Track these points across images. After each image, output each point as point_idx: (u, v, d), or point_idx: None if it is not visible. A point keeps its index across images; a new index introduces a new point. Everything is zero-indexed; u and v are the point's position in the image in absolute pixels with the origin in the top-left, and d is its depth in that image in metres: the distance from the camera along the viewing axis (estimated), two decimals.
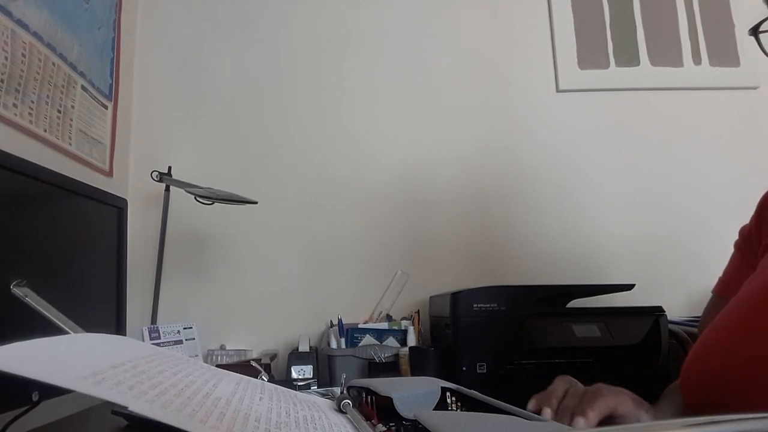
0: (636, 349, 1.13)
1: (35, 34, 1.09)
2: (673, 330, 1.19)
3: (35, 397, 0.66)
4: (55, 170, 0.88)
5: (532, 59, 1.72)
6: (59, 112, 1.19)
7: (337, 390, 1.05)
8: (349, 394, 0.59)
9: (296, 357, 1.32)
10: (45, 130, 1.13)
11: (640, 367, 1.12)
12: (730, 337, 0.59)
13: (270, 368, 1.31)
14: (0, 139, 0.97)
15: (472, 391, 0.58)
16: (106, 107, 1.42)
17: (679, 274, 1.59)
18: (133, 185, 1.55)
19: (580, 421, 0.54)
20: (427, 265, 1.58)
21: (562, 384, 0.64)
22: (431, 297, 1.43)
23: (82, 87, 1.29)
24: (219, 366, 1.25)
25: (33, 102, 1.08)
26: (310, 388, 1.14)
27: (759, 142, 1.69)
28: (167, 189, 1.42)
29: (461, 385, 0.60)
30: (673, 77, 1.71)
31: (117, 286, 1.08)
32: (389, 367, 1.29)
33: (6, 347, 0.32)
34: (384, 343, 1.36)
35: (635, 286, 1.23)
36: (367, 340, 1.37)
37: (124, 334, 1.10)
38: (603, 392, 0.57)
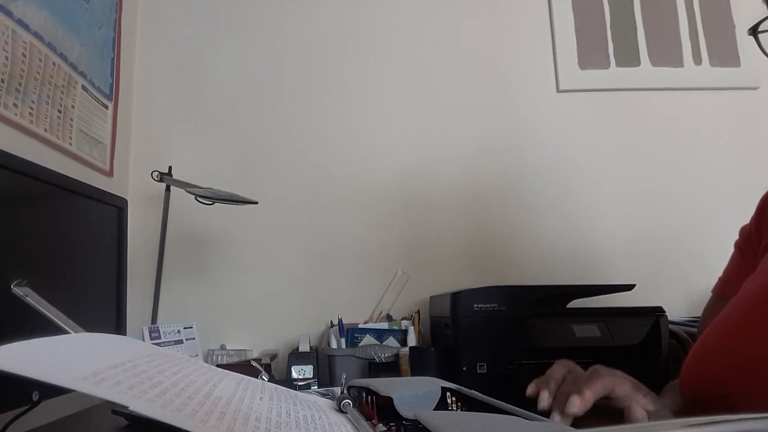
0: (636, 349, 1.13)
1: (36, 34, 1.09)
2: (673, 330, 1.18)
3: (35, 396, 0.66)
4: (56, 170, 0.88)
5: (533, 59, 1.72)
6: (60, 111, 1.19)
7: (338, 390, 1.05)
8: (349, 394, 0.59)
9: (296, 357, 1.32)
10: (45, 130, 1.13)
11: (640, 368, 1.11)
12: (730, 337, 0.59)
13: (270, 368, 1.31)
14: (0, 139, 0.97)
15: (472, 391, 0.58)
16: (106, 107, 1.42)
17: (679, 274, 1.59)
18: (134, 185, 1.55)
19: (575, 399, 0.54)
20: (428, 265, 1.58)
21: (560, 368, 0.64)
22: (431, 297, 1.42)
23: (83, 87, 1.29)
24: (219, 366, 1.25)
25: (33, 102, 1.08)
26: (310, 388, 1.14)
27: (759, 142, 1.68)
28: (167, 189, 1.42)
29: (461, 385, 0.60)
30: (673, 77, 1.71)
31: (117, 286, 1.08)
32: (389, 367, 1.29)
33: (6, 347, 0.32)
34: (384, 343, 1.36)
35: (635, 287, 1.23)
36: (368, 340, 1.37)
37: (125, 334, 1.10)
38: (601, 373, 0.57)
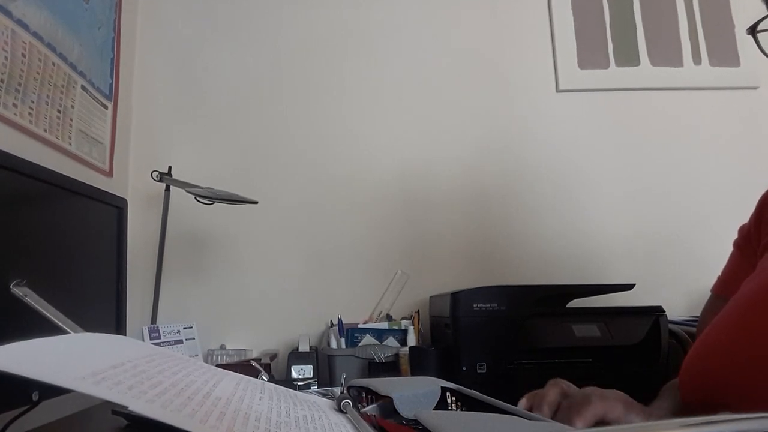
0: (636, 349, 1.13)
1: (35, 34, 1.09)
2: (673, 330, 1.19)
3: (35, 396, 0.66)
4: (55, 170, 0.88)
5: (532, 59, 1.72)
6: (59, 111, 1.19)
7: (337, 390, 1.05)
8: (349, 394, 0.59)
9: (296, 357, 1.32)
10: (45, 130, 1.13)
11: (640, 367, 1.12)
12: (730, 337, 0.59)
13: (270, 368, 1.31)
14: (0, 139, 0.97)
15: (472, 391, 0.58)
16: (106, 107, 1.42)
17: (679, 274, 1.59)
18: (133, 185, 1.55)
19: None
20: (427, 265, 1.58)
21: (554, 391, 0.63)
22: (431, 297, 1.43)
23: (82, 87, 1.29)
24: (219, 366, 1.25)
25: (33, 102, 1.08)
26: (310, 388, 1.14)
27: (759, 142, 1.69)
28: (167, 189, 1.42)
29: (461, 385, 0.60)
30: (673, 77, 1.71)
31: (117, 286, 1.08)
32: (389, 367, 1.29)
33: (5, 347, 0.32)
34: (384, 343, 1.36)
35: (635, 286, 1.23)
36: (367, 339, 1.37)
37: (124, 334, 1.10)
38: (591, 399, 0.57)
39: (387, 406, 0.53)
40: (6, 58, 1.00)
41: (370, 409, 0.55)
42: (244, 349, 1.44)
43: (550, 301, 1.20)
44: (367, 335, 1.38)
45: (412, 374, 1.20)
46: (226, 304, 1.52)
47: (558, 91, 1.70)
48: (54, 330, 0.68)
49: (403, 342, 1.35)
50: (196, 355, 1.35)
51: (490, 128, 1.67)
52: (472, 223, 1.62)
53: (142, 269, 1.46)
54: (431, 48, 1.70)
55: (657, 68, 1.71)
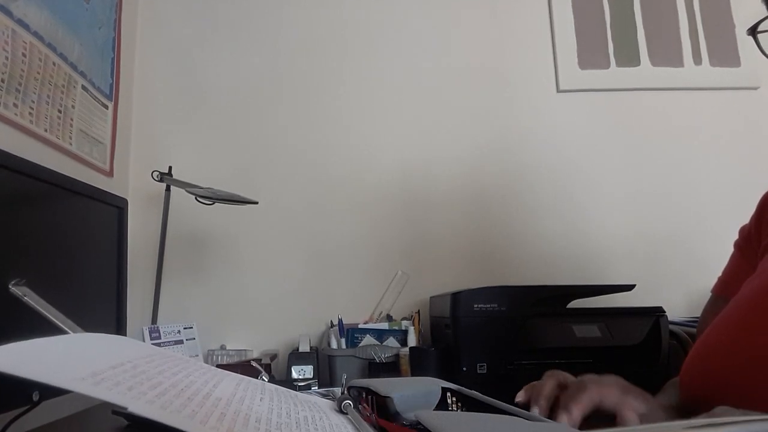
0: (636, 349, 1.13)
1: (36, 34, 1.09)
2: (674, 330, 1.18)
3: (35, 397, 0.66)
4: (56, 170, 0.88)
5: (533, 59, 1.72)
6: (60, 111, 1.19)
7: (338, 390, 1.05)
8: (349, 394, 0.59)
9: (296, 357, 1.32)
10: (45, 130, 1.13)
11: (641, 368, 1.12)
12: (730, 337, 0.59)
13: (270, 368, 1.31)
14: (0, 139, 0.97)
15: (473, 391, 0.58)
16: (106, 107, 1.42)
17: (679, 274, 1.59)
18: (134, 185, 1.55)
19: (563, 417, 0.54)
20: (428, 266, 1.58)
21: (551, 382, 0.63)
22: (431, 297, 1.42)
23: (83, 87, 1.29)
24: (219, 366, 1.26)
25: (33, 102, 1.08)
26: (310, 389, 1.14)
27: (759, 143, 1.68)
28: (168, 189, 1.42)
29: (461, 385, 0.60)
30: (673, 77, 1.71)
31: (117, 286, 1.08)
32: (389, 367, 1.29)
33: (4, 347, 0.32)
34: (384, 344, 1.36)
35: (635, 287, 1.23)
36: (368, 340, 1.37)
37: (125, 334, 1.10)
38: (587, 385, 0.57)
39: (387, 407, 0.53)
40: (6, 58, 1.00)
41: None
42: (245, 350, 1.44)
43: (551, 301, 1.20)
44: (368, 335, 1.38)
45: (413, 374, 1.20)
46: (227, 304, 1.52)
47: (558, 91, 1.70)
48: (53, 330, 0.68)
49: (404, 342, 1.35)
50: (197, 356, 1.35)
51: (491, 128, 1.67)
52: (472, 223, 1.62)
53: (142, 269, 1.46)
54: (431, 48, 1.70)
55: (657, 68, 1.71)
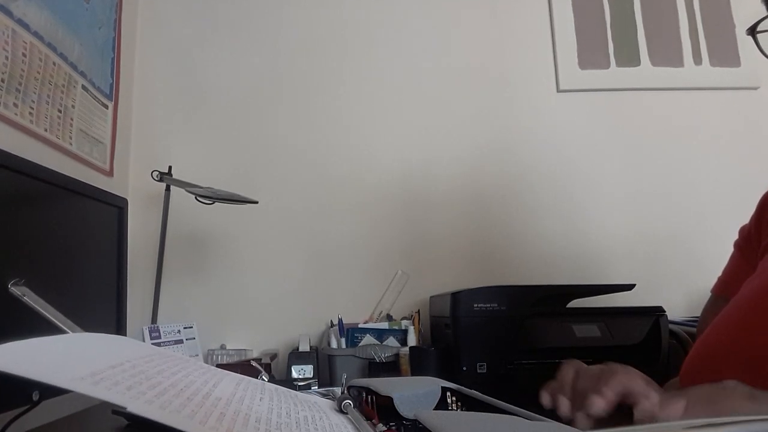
0: (636, 349, 1.13)
1: (36, 34, 1.09)
2: (673, 330, 1.18)
3: (35, 396, 0.66)
4: (56, 170, 0.88)
5: (533, 59, 1.72)
6: (60, 111, 1.19)
7: (338, 390, 1.05)
8: (349, 394, 0.59)
9: (296, 357, 1.32)
10: (45, 130, 1.13)
11: (640, 367, 1.12)
12: (731, 337, 0.59)
13: (270, 368, 1.31)
14: (0, 139, 0.97)
15: (473, 391, 0.58)
16: (106, 107, 1.42)
17: (679, 274, 1.58)
18: (134, 185, 1.55)
19: (597, 400, 0.54)
20: (428, 265, 1.58)
21: (570, 369, 0.63)
22: (431, 297, 1.42)
23: (83, 87, 1.29)
24: (219, 366, 1.26)
25: (33, 101, 1.08)
26: (310, 388, 1.14)
27: (759, 143, 1.68)
28: (167, 189, 1.42)
29: (461, 385, 0.60)
30: (673, 77, 1.71)
31: (117, 286, 1.08)
32: (389, 367, 1.29)
33: (3, 346, 0.32)
34: (384, 343, 1.36)
35: (635, 286, 1.23)
36: (368, 339, 1.37)
37: (125, 334, 1.10)
38: (616, 370, 0.57)
39: (387, 407, 0.53)
40: (7, 57, 1.00)
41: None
42: (245, 349, 1.44)
43: (551, 301, 1.20)
44: (368, 335, 1.38)
45: (413, 374, 1.20)
46: (226, 304, 1.52)
47: (558, 91, 1.70)
48: (52, 330, 0.68)
49: (404, 342, 1.35)
50: (197, 355, 1.35)
51: (491, 128, 1.67)
52: (472, 223, 1.61)
53: (142, 269, 1.46)
54: (431, 48, 1.70)
55: (657, 68, 1.71)
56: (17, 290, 0.68)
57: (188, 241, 1.54)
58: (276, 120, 1.63)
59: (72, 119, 1.24)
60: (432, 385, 0.59)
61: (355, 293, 1.55)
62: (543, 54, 1.72)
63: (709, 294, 0.81)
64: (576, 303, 1.26)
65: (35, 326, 0.69)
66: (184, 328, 1.35)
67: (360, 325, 1.42)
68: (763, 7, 0.74)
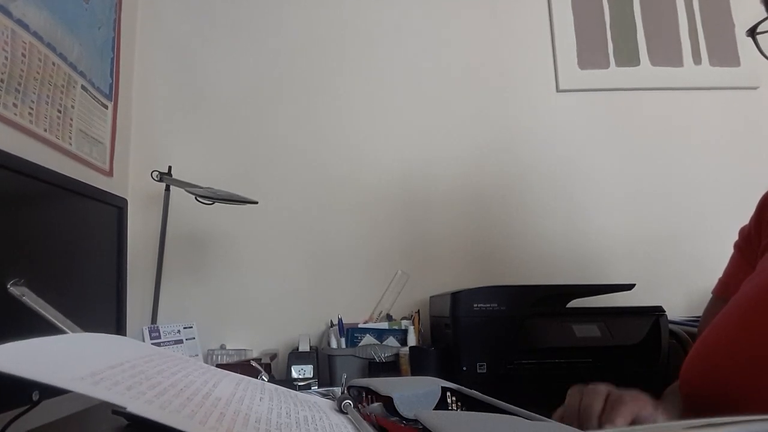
0: (636, 349, 1.13)
1: (35, 34, 1.09)
2: (673, 330, 1.18)
3: (35, 396, 0.66)
4: (55, 170, 0.88)
5: (532, 59, 1.72)
6: (59, 111, 1.19)
7: (338, 390, 1.05)
8: (349, 394, 0.59)
9: (296, 357, 1.32)
10: (45, 130, 1.13)
11: (641, 367, 1.12)
12: (730, 336, 0.59)
13: (270, 368, 1.31)
14: (0, 139, 0.97)
15: (473, 390, 0.58)
16: (106, 107, 1.42)
17: (679, 274, 1.58)
18: (133, 185, 1.55)
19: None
20: (427, 265, 1.58)
21: (577, 394, 0.63)
22: (431, 297, 1.42)
23: (82, 87, 1.29)
24: (219, 366, 1.26)
25: (33, 102, 1.08)
26: (310, 388, 1.14)
27: (759, 142, 1.68)
28: (167, 189, 1.42)
29: (461, 385, 0.60)
30: (673, 77, 1.71)
31: (117, 286, 1.08)
32: (389, 367, 1.29)
33: (2, 347, 0.32)
34: (384, 343, 1.36)
35: (635, 286, 1.23)
36: (368, 339, 1.37)
37: (125, 334, 1.10)
38: (626, 398, 0.57)
39: (387, 406, 0.53)
40: (6, 58, 1.00)
41: (370, 408, 0.55)
42: (244, 349, 1.44)
43: (550, 301, 1.20)
44: (368, 335, 1.38)
45: (412, 374, 1.20)
46: (226, 304, 1.52)
47: (558, 91, 1.70)
48: (52, 330, 0.68)
49: (403, 342, 1.35)
50: (197, 355, 1.35)
51: (490, 128, 1.67)
52: (472, 223, 1.61)
53: (142, 269, 1.46)
54: (431, 48, 1.70)
55: (657, 68, 1.71)
56: (16, 290, 0.68)
57: (188, 241, 1.54)
58: (276, 120, 1.63)
59: (72, 119, 1.24)
60: (432, 385, 0.59)
61: (355, 293, 1.55)
62: (543, 54, 1.72)
63: (709, 293, 0.81)
64: (576, 303, 1.26)
65: (35, 326, 0.69)
66: (184, 328, 1.35)
67: (360, 325, 1.42)
68: (763, 8, 0.74)
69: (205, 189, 1.29)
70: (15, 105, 1.02)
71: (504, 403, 0.52)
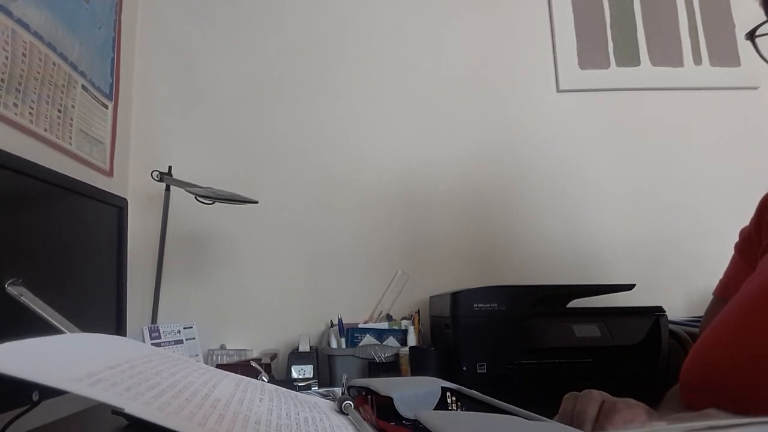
0: (636, 349, 1.13)
1: (36, 34, 1.09)
2: (673, 330, 1.18)
3: (35, 396, 0.66)
4: (56, 170, 0.88)
5: (533, 59, 1.72)
6: (59, 111, 1.19)
7: (338, 390, 1.05)
8: (349, 394, 0.59)
9: (296, 357, 1.32)
10: (45, 130, 1.13)
11: (641, 368, 1.12)
12: (730, 337, 0.59)
13: (270, 368, 1.31)
14: (0, 139, 0.97)
15: (473, 391, 0.58)
16: (106, 107, 1.42)
17: (679, 274, 1.58)
18: (133, 185, 1.55)
19: None
20: (427, 265, 1.57)
21: (570, 401, 0.63)
22: (431, 297, 1.42)
23: (83, 86, 1.29)
24: (219, 366, 1.26)
25: (33, 101, 1.08)
26: (310, 389, 1.14)
27: (759, 143, 1.68)
28: (167, 189, 1.42)
29: (461, 385, 0.60)
30: (673, 77, 1.71)
31: (117, 286, 1.08)
32: (389, 367, 1.29)
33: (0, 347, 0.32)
34: (384, 343, 1.36)
35: (635, 286, 1.23)
36: (368, 339, 1.37)
37: (125, 334, 1.10)
38: (619, 406, 0.57)
39: (387, 407, 0.53)
40: (6, 57, 1.00)
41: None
42: (244, 349, 1.44)
43: (550, 301, 1.20)
44: (368, 335, 1.38)
45: (412, 374, 1.20)
46: (226, 304, 1.52)
47: (558, 91, 1.70)
48: (51, 330, 0.68)
49: (403, 342, 1.35)
50: (197, 355, 1.35)
51: (491, 128, 1.67)
52: (472, 223, 1.61)
53: (142, 269, 1.46)
54: (431, 48, 1.70)
55: (657, 68, 1.71)
56: (14, 290, 0.68)
57: (188, 241, 1.54)
58: (276, 120, 1.63)
59: (72, 119, 1.24)
60: (432, 385, 0.59)
61: (355, 293, 1.54)
62: (543, 54, 1.72)
63: (709, 294, 0.81)
64: (576, 303, 1.26)
65: (33, 326, 0.69)
66: (184, 328, 1.35)
67: (360, 325, 1.42)
68: (762, 11, 0.74)
69: (205, 189, 1.29)
70: (15, 105, 1.02)
71: (504, 403, 0.52)
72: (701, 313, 0.83)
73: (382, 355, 1.30)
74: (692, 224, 1.63)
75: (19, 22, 1.03)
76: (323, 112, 1.64)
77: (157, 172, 1.37)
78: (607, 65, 1.71)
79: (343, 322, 1.40)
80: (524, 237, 1.61)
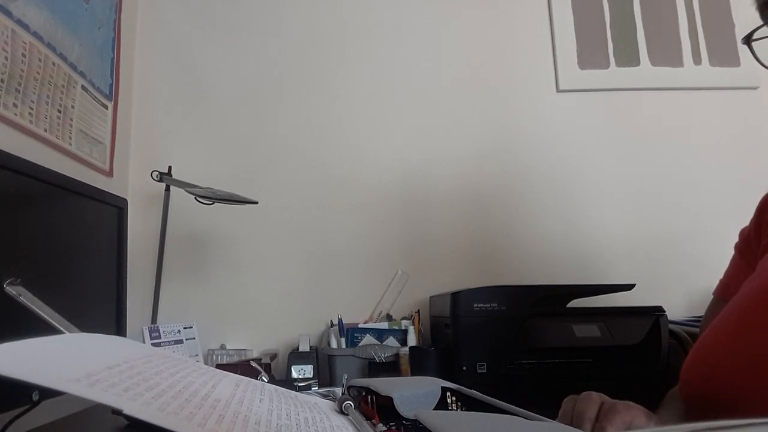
0: (636, 349, 1.13)
1: (35, 34, 1.09)
2: (673, 330, 1.18)
3: (35, 396, 0.66)
4: (55, 170, 0.88)
5: (532, 59, 1.72)
6: (59, 111, 1.19)
7: (338, 390, 1.05)
8: (349, 394, 0.59)
9: (296, 357, 1.32)
10: (45, 130, 1.12)
11: (641, 368, 1.12)
12: (730, 337, 0.59)
13: (270, 368, 1.31)
14: (0, 139, 0.97)
15: (473, 390, 0.58)
16: (106, 107, 1.42)
17: (679, 274, 1.58)
18: (133, 185, 1.55)
19: None
20: (427, 265, 1.57)
21: (570, 402, 0.63)
22: (431, 297, 1.42)
23: (82, 87, 1.29)
24: (219, 366, 1.26)
25: (33, 102, 1.08)
26: (310, 389, 1.14)
27: (759, 143, 1.68)
28: (167, 189, 1.42)
29: (461, 385, 0.60)
30: (673, 77, 1.71)
31: (117, 286, 1.08)
32: (389, 367, 1.29)
33: None
34: (384, 343, 1.36)
35: (635, 286, 1.23)
36: (368, 339, 1.37)
37: (125, 334, 1.10)
38: (619, 408, 0.57)
39: (387, 407, 0.53)
40: (6, 58, 0.99)
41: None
42: (244, 349, 1.44)
43: (550, 301, 1.20)
44: (368, 335, 1.38)
45: (412, 374, 1.19)
46: (226, 304, 1.52)
47: (558, 91, 1.70)
48: (49, 330, 0.68)
49: (403, 342, 1.35)
50: (196, 355, 1.35)
51: (490, 128, 1.67)
52: (472, 223, 1.61)
53: (142, 269, 1.46)
54: (431, 48, 1.70)
55: (657, 68, 1.71)
56: (13, 290, 0.68)
57: (188, 241, 1.54)
58: (276, 120, 1.63)
59: (72, 119, 1.24)
60: (432, 385, 0.59)
61: (355, 293, 1.54)
62: (543, 54, 1.72)
63: (709, 294, 0.81)
64: (576, 303, 1.26)
65: (32, 327, 0.69)
66: (184, 328, 1.35)
67: (360, 325, 1.42)
68: (758, 15, 0.73)
69: (205, 189, 1.29)
70: (15, 105, 1.02)
71: (504, 403, 0.52)
72: (701, 313, 0.83)
73: (382, 355, 1.30)
74: (692, 224, 1.63)
75: (19, 22, 1.03)
76: (323, 112, 1.64)
77: (157, 173, 1.37)
78: (606, 65, 1.71)
79: (343, 322, 1.40)
80: (524, 237, 1.61)
